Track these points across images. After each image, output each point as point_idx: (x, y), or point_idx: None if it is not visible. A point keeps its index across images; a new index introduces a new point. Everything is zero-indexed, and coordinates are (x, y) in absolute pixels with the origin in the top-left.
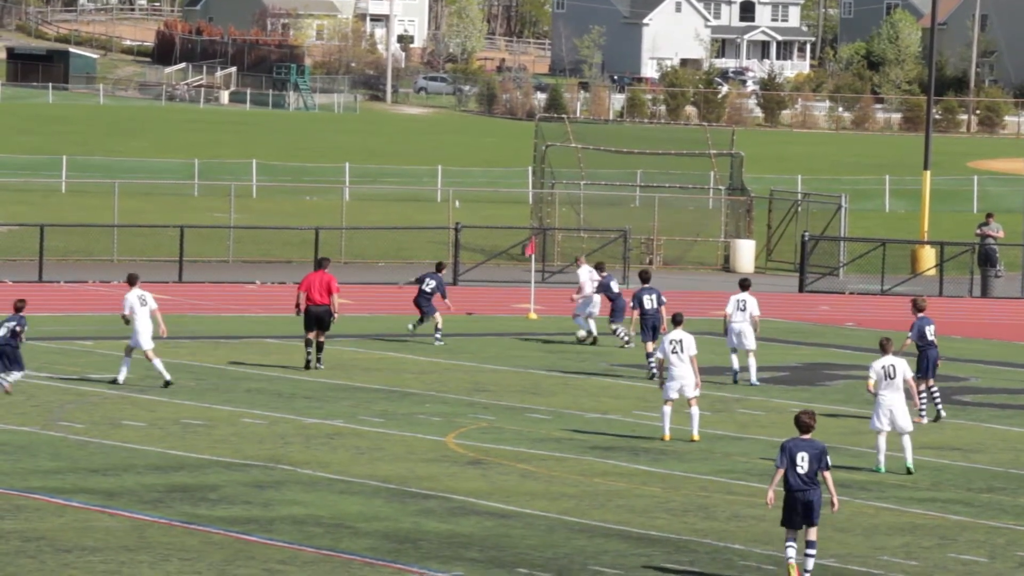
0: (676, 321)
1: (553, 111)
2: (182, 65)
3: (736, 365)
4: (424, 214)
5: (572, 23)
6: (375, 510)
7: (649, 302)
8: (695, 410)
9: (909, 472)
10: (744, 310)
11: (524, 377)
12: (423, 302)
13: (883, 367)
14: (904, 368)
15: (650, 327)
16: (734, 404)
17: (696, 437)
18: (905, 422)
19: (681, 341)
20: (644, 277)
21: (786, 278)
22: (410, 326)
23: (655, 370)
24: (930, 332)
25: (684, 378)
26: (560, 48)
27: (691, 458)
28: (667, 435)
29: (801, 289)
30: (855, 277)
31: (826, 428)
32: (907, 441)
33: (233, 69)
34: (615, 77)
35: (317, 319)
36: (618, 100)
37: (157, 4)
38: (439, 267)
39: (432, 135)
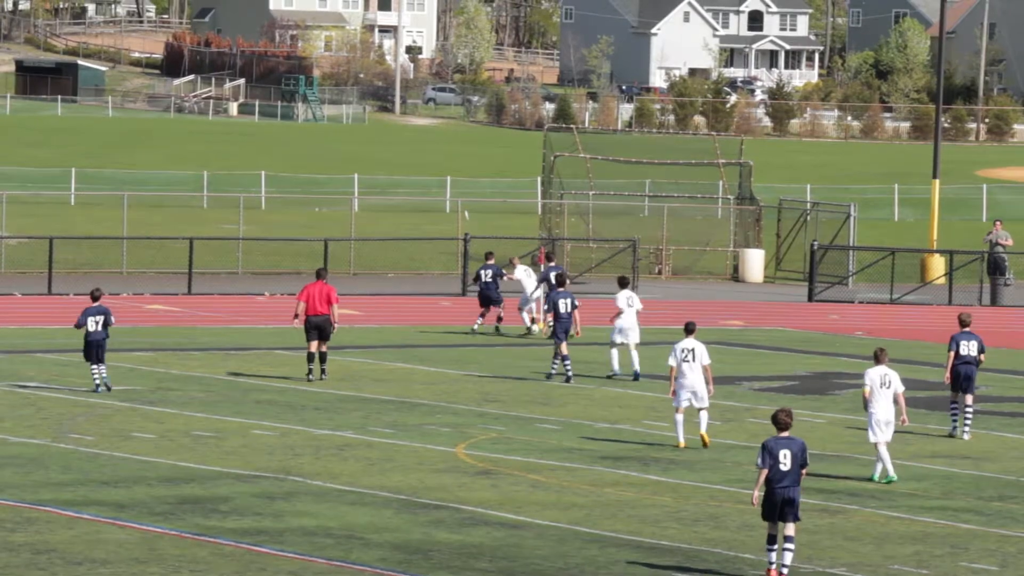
0: (688, 330)
1: (562, 121)
2: (191, 77)
3: (616, 363)
4: (433, 225)
5: (580, 33)
6: (385, 521)
7: (564, 306)
8: (704, 414)
9: (873, 480)
10: (632, 306)
11: (534, 387)
12: (491, 293)
13: (880, 376)
14: (898, 382)
15: (563, 331)
16: (744, 413)
17: (705, 435)
18: (889, 431)
19: (693, 350)
20: (559, 281)
21: (795, 287)
22: (475, 326)
23: (570, 373)
24: (966, 347)
25: (695, 386)
26: (568, 58)
27: (702, 468)
28: (682, 442)
29: (810, 298)
30: (864, 286)
31: (838, 437)
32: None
33: (242, 81)
34: (623, 87)
35: (318, 329)
36: (627, 110)
37: (166, 16)
38: (488, 255)
39: (441, 146)
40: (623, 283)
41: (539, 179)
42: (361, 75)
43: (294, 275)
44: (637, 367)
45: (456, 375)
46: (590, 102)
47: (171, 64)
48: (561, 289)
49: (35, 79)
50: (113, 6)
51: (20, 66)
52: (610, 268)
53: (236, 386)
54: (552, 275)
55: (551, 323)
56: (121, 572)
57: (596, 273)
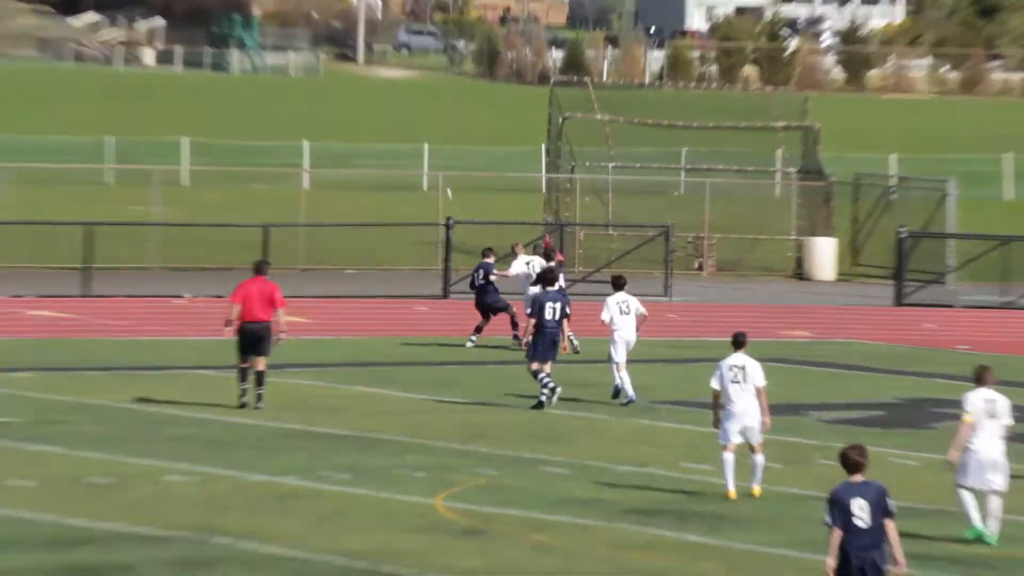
0: (737, 343)
1: (573, 73)
2: (93, 17)
3: (620, 380)
4: (406, 207)
5: None
6: None
7: (551, 312)
8: (759, 458)
9: (983, 541)
10: (628, 313)
11: (535, 418)
12: (487, 298)
13: (984, 403)
14: (1008, 412)
15: (548, 343)
16: (813, 452)
17: (758, 491)
18: (999, 478)
19: (744, 368)
20: (549, 279)
21: (878, 287)
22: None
23: (551, 384)
24: None
25: (748, 415)
26: None
27: (757, 524)
28: (732, 492)
29: (899, 302)
30: (968, 286)
31: (936, 485)
32: (996, 505)
33: (160, 21)
34: (652, 30)
35: (255, 340)
36: (656, 59)
37: None
38: (487, 252)
39: (417, 104)
40: (618, 284)
41: (543, 147)
42: (314, 15)
43: (224, 272)
44: (631, 391)
45: (433, 403)
46: (609, 49)
47: (68, 0)
48: (551, 289)
49: None
50: None
51: None
52: (635, 262)
53: (144, 417)
54: (534, 264)
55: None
56: None
57: (617, 269)
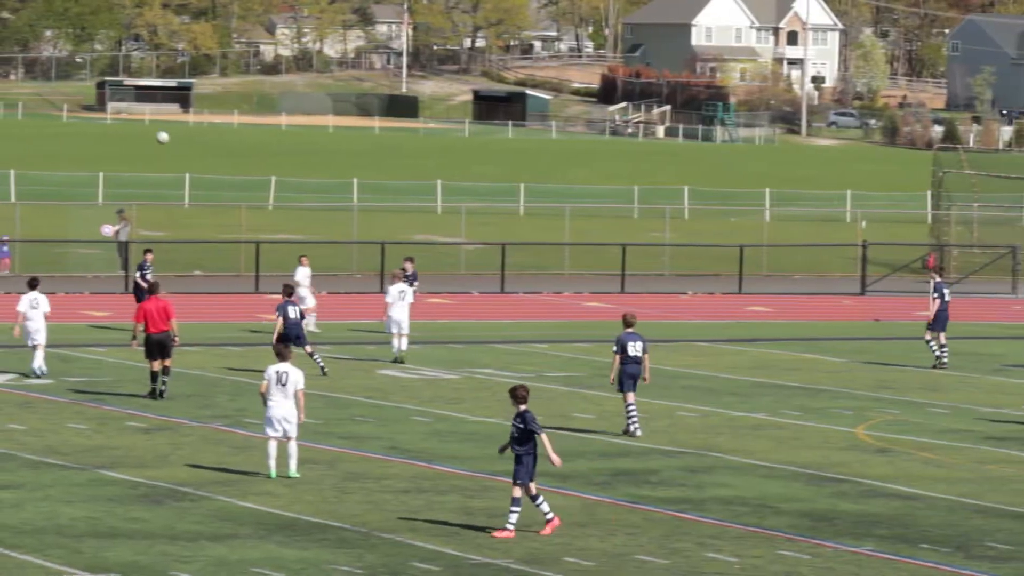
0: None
1: (948, 142)
2: (623, 104)
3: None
4: (835, 233)
5: (966, 64)
6: (794, 492)
7: (633, 349)
8: None
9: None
10: (36, 307)
11: (924, 376)
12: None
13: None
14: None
15: (629, 376)
16: None
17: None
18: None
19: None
20: (628, 322)
21: None
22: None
23: (632, 425)
24: None
25: None
26: (955, 86)
27: None
28: None
29: None
30: None
31: None
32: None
33: (667, 107)
34: (1004, 111)
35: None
36: (1007, 132)
37: (602, 51)
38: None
39: (841, 164)
40: (33, 284)
41: (929, 193)
42: (772, 102)
43: (712, 277)
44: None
45: (853, 365)
46: (974, 125)
47: (606, 93)
48: (630, 330)
49: (489, 106)
50: (556, 43)
51: (477, 95)
52: (991, 271)
53: (664, 373)
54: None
55: None
56: (563, 534)
57: (976, 277)
